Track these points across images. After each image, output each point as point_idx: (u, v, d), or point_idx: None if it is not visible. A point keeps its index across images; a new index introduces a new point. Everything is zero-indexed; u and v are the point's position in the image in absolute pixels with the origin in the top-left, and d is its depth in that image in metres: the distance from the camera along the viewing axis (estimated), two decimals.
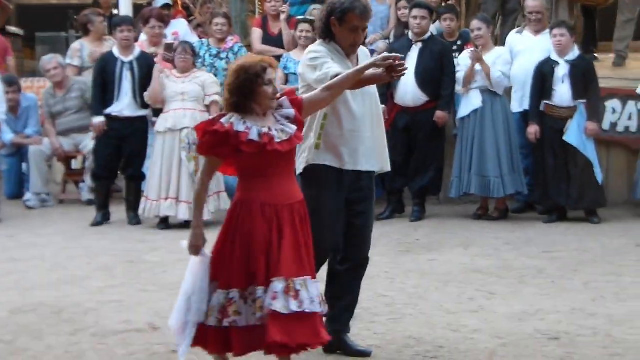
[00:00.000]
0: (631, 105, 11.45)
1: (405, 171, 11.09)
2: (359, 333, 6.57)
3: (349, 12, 5.97)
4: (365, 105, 6.09)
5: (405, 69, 5.79)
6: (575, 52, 10.77)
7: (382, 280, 8.26)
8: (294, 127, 5.47)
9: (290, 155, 5.53)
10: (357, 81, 5.77)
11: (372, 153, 6.14)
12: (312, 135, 6.03)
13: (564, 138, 10.59)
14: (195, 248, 5.47)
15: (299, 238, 5.41)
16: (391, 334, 6.70)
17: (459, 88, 10.99)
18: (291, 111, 5.52)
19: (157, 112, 10.98)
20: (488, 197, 11.05)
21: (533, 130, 10.69)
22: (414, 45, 10.92)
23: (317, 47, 6.06)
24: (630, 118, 11.49)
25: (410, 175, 11.12)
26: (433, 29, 11.61)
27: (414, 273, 8.59)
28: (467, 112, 10.91)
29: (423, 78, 10.85)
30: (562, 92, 10.62)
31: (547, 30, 11.06)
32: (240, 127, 5.32)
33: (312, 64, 5.99)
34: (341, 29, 6.00)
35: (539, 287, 8.06)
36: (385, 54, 5.79)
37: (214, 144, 5.34)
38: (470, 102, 10.91)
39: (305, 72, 6.06)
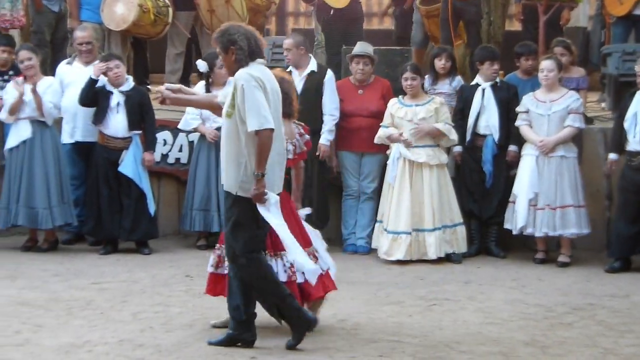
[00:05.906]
0: (182, 137, 11.62)
1: None
2: None
3: None
4: None
5: None
6: (130, 83, 10.84)
7: None
8: None
9: None
10: None
11: None
12: None
13: (119, 169, 10.63)
14: None
15: None
16: None
17: (4, 115, 10.72)
18: None
19: None
20: (37, 229, 10.82)
21: None
22: None
23: None
24: (180, 150, 11.65)
25: None
26: None
27: None
28: (16, 143, 10.66)
29: None
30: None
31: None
32: None
33: None
34: None
35: (87, 318, 8.01)
36: None
37: None
38: (19, 133, 10.67)
39: None
